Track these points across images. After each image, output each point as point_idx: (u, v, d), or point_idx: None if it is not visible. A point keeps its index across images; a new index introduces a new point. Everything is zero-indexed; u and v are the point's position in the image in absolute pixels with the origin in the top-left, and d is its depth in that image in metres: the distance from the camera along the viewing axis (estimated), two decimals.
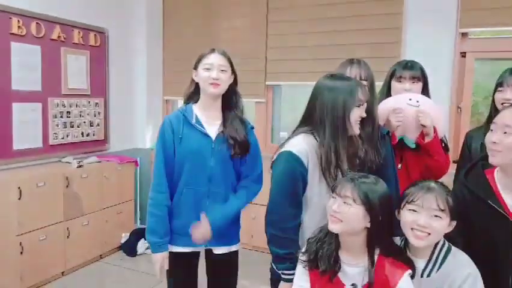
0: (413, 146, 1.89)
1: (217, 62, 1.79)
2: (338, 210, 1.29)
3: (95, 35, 3.85)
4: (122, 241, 3.81)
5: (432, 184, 1.32)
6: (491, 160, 1.35)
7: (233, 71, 1.87)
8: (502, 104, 1.77)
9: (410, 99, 1.86)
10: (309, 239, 1.42)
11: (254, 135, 1.94)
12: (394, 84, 1.98)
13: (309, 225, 1.48)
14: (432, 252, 1.32)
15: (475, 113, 3.33)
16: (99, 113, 3.95)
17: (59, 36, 3.50)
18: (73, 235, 3.32)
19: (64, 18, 3.53)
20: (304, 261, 1.39)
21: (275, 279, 1.55)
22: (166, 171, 1.81)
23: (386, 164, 1.65)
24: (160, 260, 1.81)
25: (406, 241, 1.36)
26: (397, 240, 1.40)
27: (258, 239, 3.63)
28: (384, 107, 1.86)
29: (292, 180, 1.47)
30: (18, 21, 3.17)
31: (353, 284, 1.31)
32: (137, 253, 3.75)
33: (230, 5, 4.11)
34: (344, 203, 1.29)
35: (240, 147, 1.82)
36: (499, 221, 1.34)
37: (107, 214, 3.68)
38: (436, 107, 1.90)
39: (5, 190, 2.90)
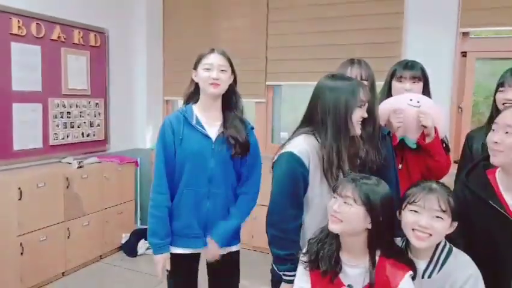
0: (414, 146, 1.88)
1: (217, 62, 1.79)
2: (338, 210, 1.29)
3: (95, 35, 3.85)
4: (123, 241, 3.81)
5: (434, 185, 1.32)
6: (493, 160, 1.35)
7: (233, 71, 1.86)
8: (503, 104, 1.76)
9: (411, 100, 1.85)
10: (310, 239, 1.42)
11: (254, 136, 1.93)
12: (395, 84, 1.98)
13: (310, 226, 1.47)
14: (434, 253, 1.32)
15: (475, 113, 3.33)
16: (99, 113, 3.95)
17: (59, 37, 3.50)
18: (73, 235, 3.32)
19: (64, 19, 3.53)
20: (305, 262, 1.39)
21: (276, 281, 1.54)
22: (167, 172, 1.80)
23: (387, 164, 1.64)
24: (162, 261, 1.81)
25: (407, 242, 1.36)
26: (398, 241, 1.40)
27: (258, 239, 3.62)
28: (384, 107, 1.85)
29: (293, 181, 1.47)
30: (19, 21, 3.17)
31: (349, 285, 1.31)
32: (138, 253, 3.75)
33: (230, 5, 4.11)
34: (345, 203, 1.29)
35: (240, 147, 1.82)
36: (500, 222, 1.34)
37: (107, 214, 3.68)
38: (437, 107, 1.90)
39: (6, 190, 2.90)
